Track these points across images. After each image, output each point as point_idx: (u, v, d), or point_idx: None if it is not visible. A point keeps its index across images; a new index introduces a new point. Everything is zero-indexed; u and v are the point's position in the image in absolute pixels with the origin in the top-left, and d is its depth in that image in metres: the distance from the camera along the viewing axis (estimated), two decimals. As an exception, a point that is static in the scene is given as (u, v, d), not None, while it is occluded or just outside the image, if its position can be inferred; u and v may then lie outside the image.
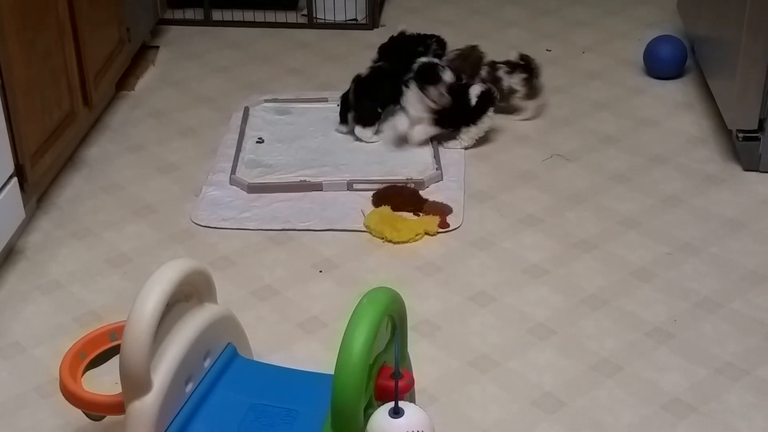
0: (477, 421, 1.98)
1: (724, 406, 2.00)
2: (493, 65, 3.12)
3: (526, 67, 3.13)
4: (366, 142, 2.96)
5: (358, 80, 2.99)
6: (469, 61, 3.14)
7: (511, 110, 3.11)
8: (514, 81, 3.09)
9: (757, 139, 2.76)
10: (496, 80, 3.07)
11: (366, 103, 2.96)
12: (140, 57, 3.50)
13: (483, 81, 3.02)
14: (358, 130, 2.96)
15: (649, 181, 2.79)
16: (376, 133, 2.98)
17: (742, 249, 2.48)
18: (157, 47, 3.65)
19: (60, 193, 2.77)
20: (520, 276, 2.41)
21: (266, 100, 3.22)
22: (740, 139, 2.78)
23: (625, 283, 2.37)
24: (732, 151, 2.88)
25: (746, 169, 2.80)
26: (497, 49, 3.57)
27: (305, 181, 2.77)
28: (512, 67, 3.11)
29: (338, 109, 3.03)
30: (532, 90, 3.13)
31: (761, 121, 2.73)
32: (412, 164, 2.86)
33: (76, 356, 1.76)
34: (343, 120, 3.01)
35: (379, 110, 2.98)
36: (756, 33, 2.63)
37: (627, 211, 2.65)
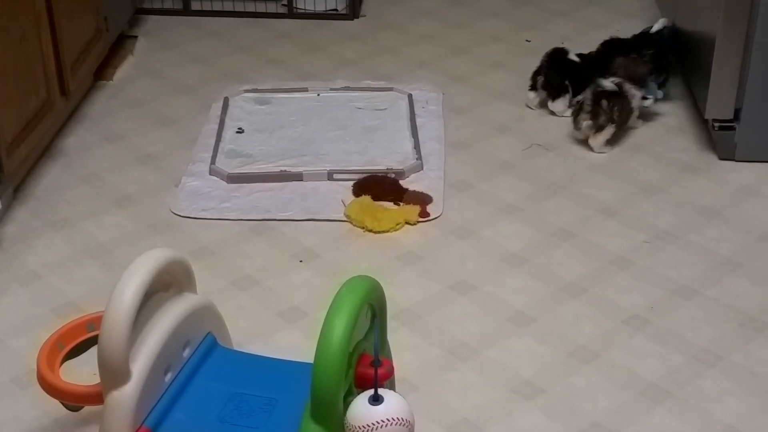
0: (456, 408, 1.99)
1: (700, 391, 2.02)
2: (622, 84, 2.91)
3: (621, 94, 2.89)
4: (558, 116, 3.05)
5: (553, 53, 3.11)
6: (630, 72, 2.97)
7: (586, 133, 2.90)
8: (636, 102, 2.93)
9: (732, 128, 2.78)
10: (622, 95, 2.89)
11: (554, 75, 3.05)
12: (118, 47, 3.48)
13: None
14: (550, 103, 3.06)
15: (626, 170, 2.80)
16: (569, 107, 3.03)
17: (717, 236, 2.50)
18: (136, 37, 3.63)
19: (37, 183, 2.76)
20: (500, 264, 2.42)
21: (246, 90, 3.22)
22: (716, 129, 2.81)
23: (603, 271, 2.39)
24: (708, 140, 2.90)
25: (722, 158, 2.82)
26: (476, 39, 3.59)
27: (285, 171, 2.78)
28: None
29: (319, 98, 3.01)
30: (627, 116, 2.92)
31: (737, 111, 2.75)
32: (392, 154, 2.86)
33: (53, 347, 1.76)
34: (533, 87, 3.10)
35: (567, 83, 3.04)
36: (732, 23, 2.65)
37: (605, 199, 2.67)
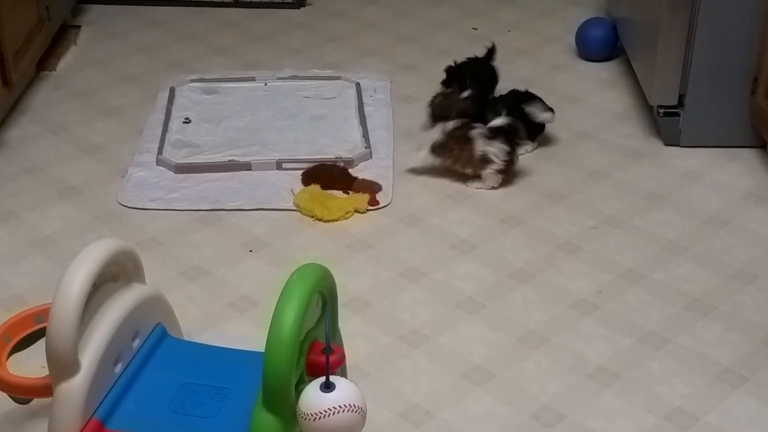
0: (408, 395, 2.00)
1: (647, 373, 2.05)
2: (468, 123, 2.66)
3: (510, 135, 2.65)
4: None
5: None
6: (444, 104, 2.74)
7: (468, 176, 2.69)
8: (491, 150, 2.61)
9: (677, 114, 2.82)
10: (466, 140, 2.63)
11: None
12: (61, 36, 3.43)
13: (450, 132, 2.66)
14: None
15: (573, 156, 2.83)
16: None
17: (663, 221, 2.54)
18: (79, 26, 3.58)
19: (-20, 175, 2.72)
20: (449, 251, 2.44)
21: (192, 80, 3.19)
22: (661, 115, 2.84)
23: (552, 257, 2.41)
24: (653, 126, 2.94)
25: (667, 144, 2.86)
26: (423, 28, 3.59)
27: (234, 161, 2.76)
28: (494, 133, 2.63)
29: (266, 88, 2.99)
30: (510, 165, 2.65)
31: (681, 97, 2.79)
32: (341, 143, 2.86)
33: (0, 340, 1.73)
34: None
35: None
36: (675, 10, 2.69)
37: (553, 185, 2.69)
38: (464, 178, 2.69)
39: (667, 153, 2.84)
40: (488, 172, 2.64)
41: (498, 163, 2.61)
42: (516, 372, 2.06)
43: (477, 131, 2.65)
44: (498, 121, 2.67)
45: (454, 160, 2.67)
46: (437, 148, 2.68)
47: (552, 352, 2.11)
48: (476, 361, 2.09)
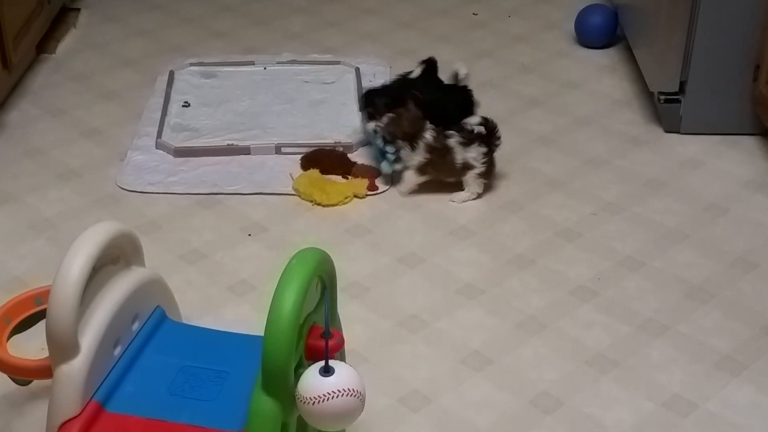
0: (407, 380, 2.00)
1: (646, 360, 2.05)
2: (441, 131, 2.54)
3: (487, 137, 2.55)
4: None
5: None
6: (403, 123, 2.54)
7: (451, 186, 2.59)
8: (471, 155, 2.53)
9: (677, 101, 2.81)
10: (445, 151, 2.53)
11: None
12: (61, 19, 3.42)
13: (429, 147, 2.52)
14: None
15: (573, 142, 2.83)
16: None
17: (663, 208, 2.54)
18: (78, 9, 3.57)
19: (-21, 158, 2.71)
20: (448, 237, 2.43)
21: (192, 64, 3.18)
22: (662, 102, 2.84)
23: (551, 243, 2.41)
24: (654, 113, 2.93)
25: (667, 131, 2.86)
26: (422, 13, 3.58)
27: (233, 144, 2.75)
28: (469, 137, 2.54)
29: (265, 72, 2.99)
30: (490, 167, 2.57)
31: (682, 84, 2.79)
32: (340, 128, 2.85)
33: (0, 322, 1.73)
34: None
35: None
36: (677, -4, 2.68)
37: (552, 172, 2.69)
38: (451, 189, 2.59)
39: (667, 140, 2.83)
40: (470, 177, 2.55)
41: (478, 166, 2.54)
42: (514, 358, 2.06)
43: (453, 140, 2.53)
44: (474, 120, 2.58)
45: (437, 173, 2.57)
46: (422, 168, 2.56)
47: (551, 339, 2.11)
48: (475, 346, 2.09)
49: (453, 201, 2.57)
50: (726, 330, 2.13)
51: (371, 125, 2.62)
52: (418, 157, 2.54)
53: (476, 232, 2.45)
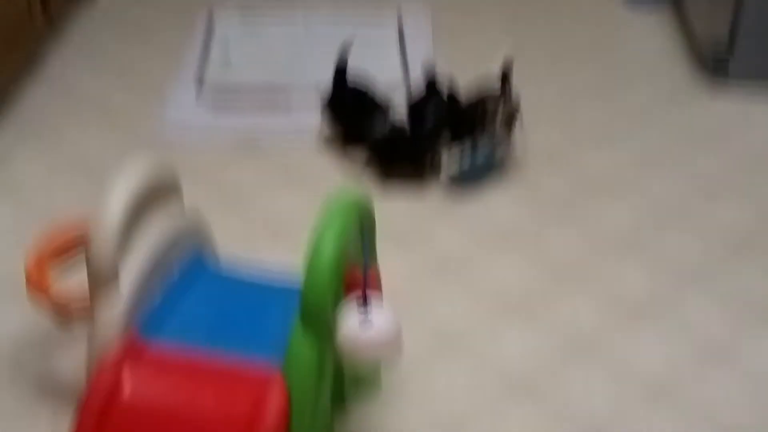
0: (443, 323, 2.00)
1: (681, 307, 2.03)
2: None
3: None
4: None
5: None
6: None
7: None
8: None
9: (726, 59, 2.75)
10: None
11: None
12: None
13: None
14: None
15: (617, 98, 2.79)
16: None
17: (711, 164, 2.50)
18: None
19: (21, 103, 2.72)
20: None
21: (234, 13, 3.18)
22: (711, 59, 2.78)
23: (591, 194, 2.39)
24: (702, 70, 2.88)
25: (715, 88, 2.80)
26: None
27: (273, 86, 2.75)
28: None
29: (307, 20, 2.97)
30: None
31: (731, 41, 2.72)
32: (381, 74, 2.82)
33: (42, 258, 1.74)
34: None
35: None
36: (727, -52, 2.63)
37: (596, 123, 2.66)
38: None
39: (715, 96, 2.78)
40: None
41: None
42: (554, 311, 2.04)
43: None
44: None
45: None
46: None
47: (589, 290, 2.10)
48: (513, 293, 2.08)
49: None
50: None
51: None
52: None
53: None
